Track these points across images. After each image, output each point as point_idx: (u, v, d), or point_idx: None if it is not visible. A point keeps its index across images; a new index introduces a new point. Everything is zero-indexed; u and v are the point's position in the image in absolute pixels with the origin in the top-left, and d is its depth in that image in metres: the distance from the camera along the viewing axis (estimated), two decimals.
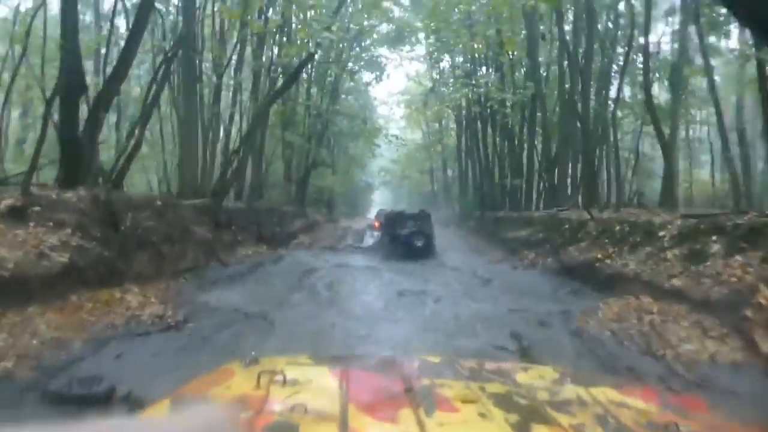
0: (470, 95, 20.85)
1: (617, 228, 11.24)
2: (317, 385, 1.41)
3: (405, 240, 16.66)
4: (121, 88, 12.32)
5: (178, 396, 1.36)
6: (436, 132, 43.77)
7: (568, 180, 18.88)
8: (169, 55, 13.35)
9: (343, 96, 38.54)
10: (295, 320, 7.96)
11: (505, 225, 19.76)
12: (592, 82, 18.47)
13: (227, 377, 1.49)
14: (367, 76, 41.25)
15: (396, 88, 61.57)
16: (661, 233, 9.44)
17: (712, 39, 19.54)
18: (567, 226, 13.71)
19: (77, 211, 8.10)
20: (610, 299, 8.57)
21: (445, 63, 33.44)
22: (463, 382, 1.49)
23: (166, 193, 15.73)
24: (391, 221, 17.74)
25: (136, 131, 11.82)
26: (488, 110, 24.09)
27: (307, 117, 28.08)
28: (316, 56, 28.43)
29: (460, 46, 23.65)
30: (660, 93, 23.64)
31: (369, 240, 20.51)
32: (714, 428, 1.41)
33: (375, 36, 29.32)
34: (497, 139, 25.08)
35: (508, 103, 20.15)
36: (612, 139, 17.87)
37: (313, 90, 29.40)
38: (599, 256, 11.03)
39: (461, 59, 30.01)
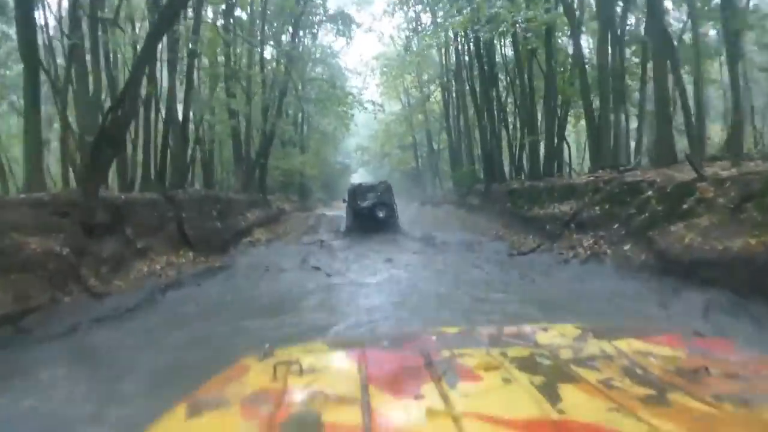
0: (469, 23, 15.47)
1: None
2: (335, 370, 1.41)
3: (367, 212, 16.61)
4: None
5: (194, 398, 1.27)
6: (418, 100, 38.40)
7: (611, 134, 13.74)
8: None
9: (310, 66, 33.07)
10: None
11: (526, 199, 14.70)
12: None
13: (243, 373, 1.41)
14: (335, 43, 35.82)
15: (369, 56, 55.74)
16: None
17: None
18: (649, 194, 8.66)
19: None
20: None
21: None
22: (483, 350, 1.43)
23: None
24: (353, 194, 17.74)
25: None
26: (496, 44, 18.88)
27: (263, 84, 22.64)
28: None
29: None
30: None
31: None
32: (743, 368, 1.31)
33: None
34: (506, 83, 19.83)
35: (521, 29, 14.86)
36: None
37: (268, 51, 24.02)
38: (753, 242, 6.04)
39: None
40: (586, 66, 17.58)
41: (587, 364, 1.30)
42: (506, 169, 20.15)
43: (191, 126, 16.53)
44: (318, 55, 34.90)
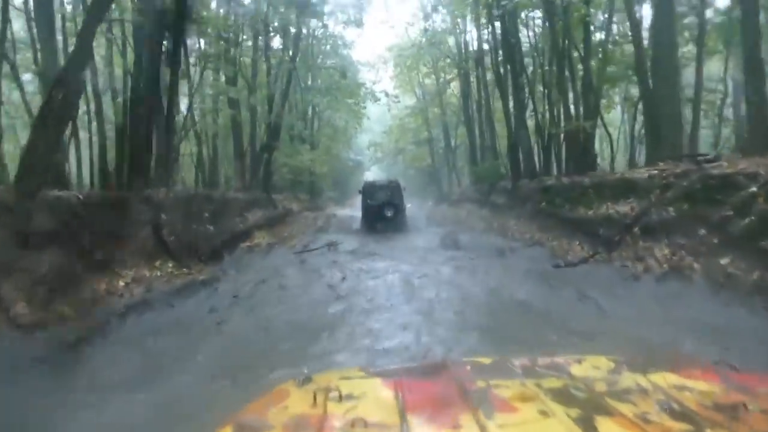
0: None
1: None
2: (373, 397, 1.40)
3: (377, 210, 17.74)
4: None
5: (237, 421, 1.30)
6: (434, 92, 36.26)
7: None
8: None
9: (320, 59, 31.04)
10: None
11: (566, 197, 12.57)
12: None
13: (283, 398, 1.44)
14: (347, 32, 33.80)
15: (382, 48, 53.81)
16: None
17: None
18: (753, 190, 6.58)
19: None
20: None
21: None
22: (518, 381, 1.43)
23: None
24: (365, 192, 18.88)
25: None
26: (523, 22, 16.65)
27: (268, 73, 20.68)
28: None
29: None
30: None
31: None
32: None
33: None
34: (536, 67, 17.60)
35: None
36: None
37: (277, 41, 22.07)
38: None
39: None
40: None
41: (623, 397, 1.27)
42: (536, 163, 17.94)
43: (183, 117, 14.60)
44: (328, 47, 32.93)
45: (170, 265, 9.46)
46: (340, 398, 1.33)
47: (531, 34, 19.14)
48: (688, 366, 1.58)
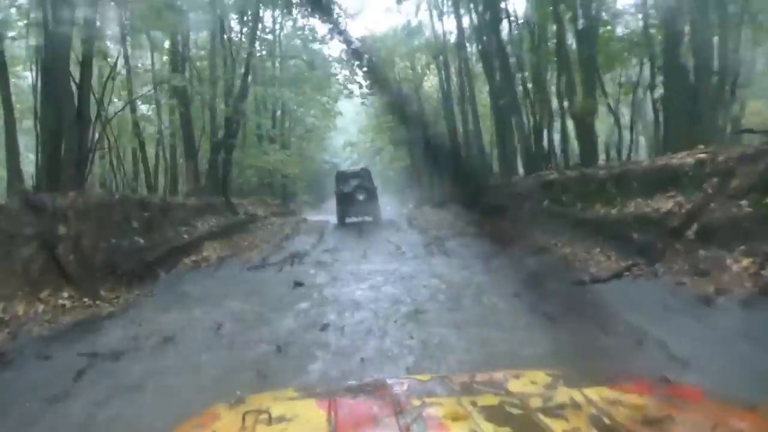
0: None
1: None
2: (304, 419, 1.36)
3: (349, 196, 18.58)
4: None
5: None
6: (411, 86, 34.04)
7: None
8: None
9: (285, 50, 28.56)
10: None
11: (576, 194, 10.39)
12: None
13: (212, 420, 1.42)
14: (318, 26, 31.28)
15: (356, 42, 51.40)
16: None
17: None
18: None
19: None
20: None
21: None
22: (454, 399, 1.42)
23: None
24: (338, 179, 20.21)
25: None
26: None
27: (224, 64, 18.22)
28: None
29: None
30: None
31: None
32: (711, 416, 1.34)
33: None
34: (531, 45, 15.25)
35: None
36: None
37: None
38: None
39: None
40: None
41: (556, 413, 1.29)
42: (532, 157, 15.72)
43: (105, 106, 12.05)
44: (297, 41, 30.49)
45: (66, 294, 7.01)
46: (270, 421, 1.30)
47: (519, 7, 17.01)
48: (623, 380, 1.58)
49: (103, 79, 12.09)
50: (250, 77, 18.82)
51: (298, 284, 8.71)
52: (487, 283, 7.74)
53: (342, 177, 20.46)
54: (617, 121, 13.76)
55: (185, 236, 12.46)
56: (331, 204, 30.89)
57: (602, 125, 18.37)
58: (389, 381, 1.75)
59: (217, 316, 6.91)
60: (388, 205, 32.40)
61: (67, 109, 8.79)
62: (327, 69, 30.55)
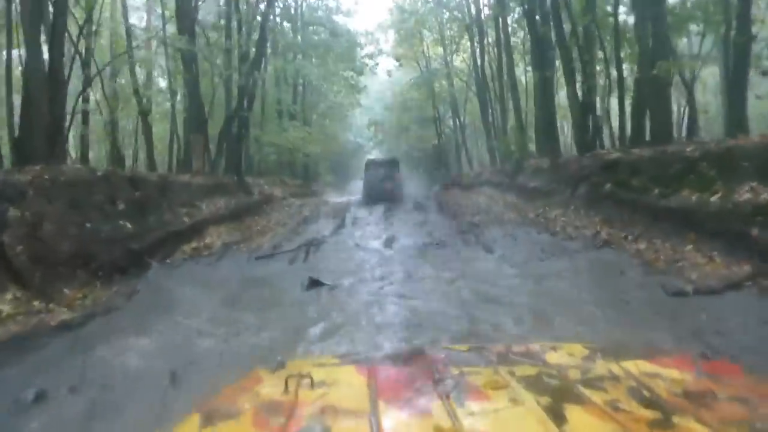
0: None
1: None
2: (345, 384, 1.39)
3: (377, 183, 20.00)
4: None
5: (208, 407, 1.30)
6: (441, 61, 31.93)
7: None
8: None
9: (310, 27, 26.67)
10: None
11: (652, 177, 8.45)
12: None
13: (255, 384, 1.44)
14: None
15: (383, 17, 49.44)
16: None
17: None
18: None
19: None
20: None
21: None
22: (492, 368, 1.43)
23: None
24: (368, 167, 22.04)
25: None
26: None
27: (239, 29, 16.47)
28: None
29: None
30: None
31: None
32: (750, 392, 1.29)
33: None
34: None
35: None
36: None
37: None
38: None
39: None
40: None
41: (594, 385, 1.27)
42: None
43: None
44: (320, 12, 28.57)
45: (9, 296, 5.45)
46: (312, 385, 1.31)
47: None
48: (662, 355, 1.53)
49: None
50: (268, 44, 17.07)
51: (314, 283, 7.06)
52: (551, 293, 5.96)
53: (371, 165, 22.13)
54: (691, 94, 11.66)
55: (186, 219, 10.90)
56: (356, 185, 29.38)
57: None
58: (426, 350, 1.82)
59: (204, 324, 5.32)
60: (414, 187, 30.64)
61: (33, 66, 7.17)
62: (353, 43, 28.70)
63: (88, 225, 7.38)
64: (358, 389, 1.30)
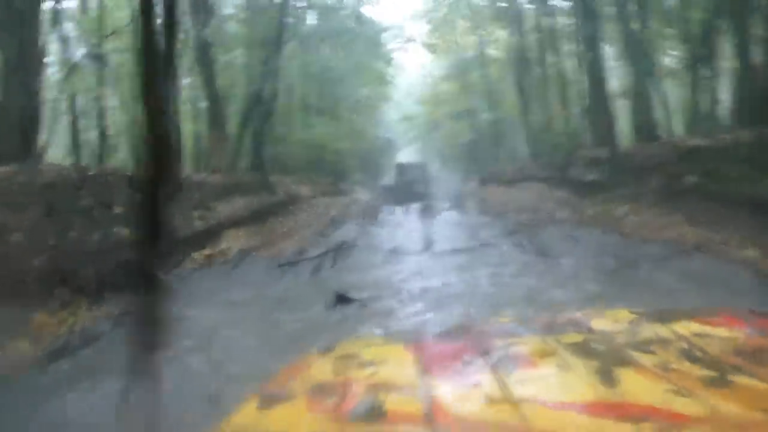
0: None
1: None
2: (394, 362, 1.35)
3: (407, 186, 22.24)
4: None
5: (264, 391, 1.28)
6: (475, 51, 30.30)
7: None
8: None
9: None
10: None
11: (756, 166, 6.86)
12: None
13: (306, 368, 1.39)
14: None
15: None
16: None
17: None
18: None
19: None
20: None
21: None
22: (537, 337, 1.39)
23: None
24: (397, 171, 25.08)
25: None
26: None
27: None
28: None
29: None
30: None
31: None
32: None
33: None
34: None
35: None
36: None
37: None
38: None
39: None
40: None
41: (643, 348, 1.20)
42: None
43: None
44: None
45: None
46: (362, 365, 1.29)
47: None
48: (708, 313, 1.50)
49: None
50: (290, 32, 15.86)
51: (341, 299, 5.79)
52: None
53: (402, 169, 24.69)
54: None
55: (198, 223, 9.73)
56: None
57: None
58: (472, 324, 1.82)
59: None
60: (449, 183, 29.06)
61: (10, 66, 6.02)
62: (377, 28, 27.29)
63: (71, 233, 6.20)
64: (407, 366, 1.27)
